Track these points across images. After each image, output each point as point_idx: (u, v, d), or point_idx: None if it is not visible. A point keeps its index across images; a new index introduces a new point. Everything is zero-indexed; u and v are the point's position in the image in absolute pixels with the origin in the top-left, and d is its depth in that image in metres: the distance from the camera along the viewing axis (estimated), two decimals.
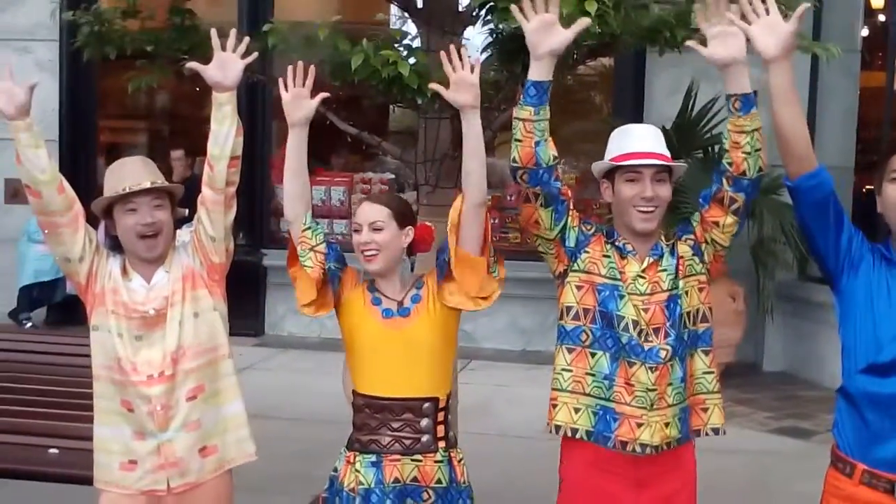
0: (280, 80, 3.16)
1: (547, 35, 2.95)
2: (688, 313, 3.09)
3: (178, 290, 3.22)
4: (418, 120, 4.40)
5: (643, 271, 3.07)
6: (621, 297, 3.05)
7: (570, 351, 3.10)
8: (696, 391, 3.14)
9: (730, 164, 3.00)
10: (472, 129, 3.05)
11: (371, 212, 3.11)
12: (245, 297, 8.74)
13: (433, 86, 3.14)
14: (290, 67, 3.13)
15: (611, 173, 3.12)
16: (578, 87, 10.08)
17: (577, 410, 3.08)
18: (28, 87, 3.10)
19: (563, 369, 3.11)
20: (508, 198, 9.50)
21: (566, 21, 3.03)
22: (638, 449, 3.02)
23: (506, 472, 5.60)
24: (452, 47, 3.08)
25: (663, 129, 8.29)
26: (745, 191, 3.03)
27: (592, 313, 3.07)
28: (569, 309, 3.11)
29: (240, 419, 3.33)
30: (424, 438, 3.08)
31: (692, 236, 3.14)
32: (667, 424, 3.04)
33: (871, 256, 2.90)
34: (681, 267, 3.10)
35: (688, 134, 8.06)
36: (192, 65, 3.22)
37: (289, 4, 9.31)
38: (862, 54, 8.78)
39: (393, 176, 9.90)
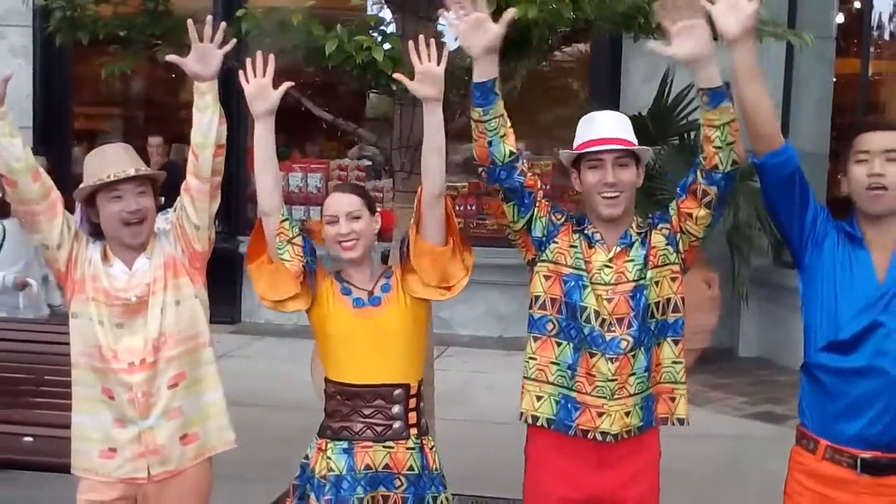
0: (240, 73, 3.10)
1: (478, 34, 2.95)
2: (656, 303, 3.09)
3: (160, 278, 3.22)
4: (393, 106, 4.39)
5: (610, 261, 3.08)
6: (584, 287, 3.06)
7: (535, 339, 3.13)
8: (664, 380, 3.15)
9: (704, 157, 2.99)
10: (433, 122, 3.05)
11: (347, 202, 3.11)
12: (221, 285, 8.66)
13: (398, 76, 3.13)
14: (248, 59, 3.08)
15: (577, 162, 3.14)
16: (555, 73, 10.08)
17: (538, 398, 3.12)
18: (4, 78, 3.08)
19: (530, 357, 3.14)
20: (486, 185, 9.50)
21: (538, 6, 3.03)
22: (598, 437, 3.05)
23: (482, 458, 5.61)
24: (421, 37, 3.07)
25: (639, 116, 8.34)
26: (718, 184, 3.01)
27: (559, 303, 3.09)
28: (537, 298, 3.13)
29: (220, 406, 3.33)
30: (396, 425, 3.08)
31: (668, 225, 3.14)
32: (627, 413, 3.06)
33: (836, 234, 2.94)
34: (651, 257, 3.10)
35: (664, 120, 8.08)
36: (172, 57, 3.20)
37: None
38: (837, 41, 8.82)
39: (369, 163, 9.89)
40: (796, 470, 2.96)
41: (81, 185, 3.21)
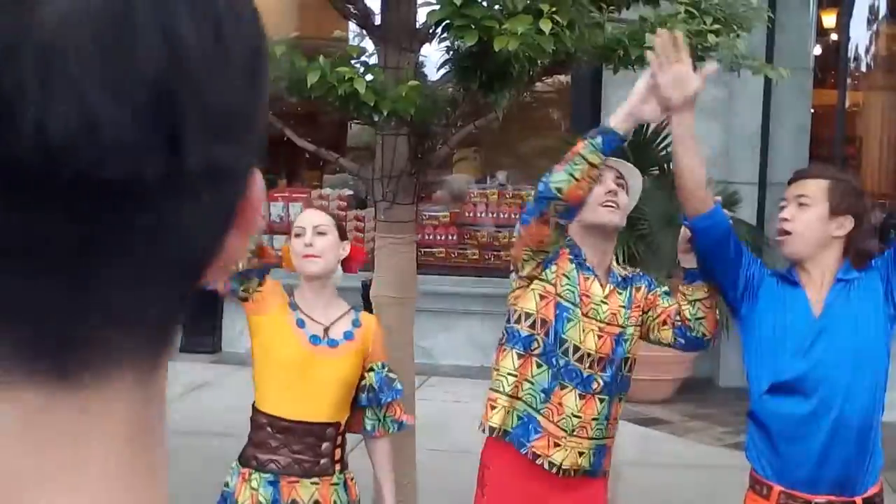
0: None
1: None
2: (626, 358, 3.19)
3: None
4: (375, 137, 4.40)
5: (606, 297, 3.13)
6: (569, 320, 3.09)
7: (519, 356, 3.14)
8: (612, 434, 3.24)
9: (679, 316, 3.18)
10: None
11: (315, 216, 3.15)
12: (201, 315, 8.68)
13: None
14: None
15: None
16: (536, 103, 10.15)
17: (508, 413, 3.14)
18: None
19: (509, 373, 3.14)
20: (467, 214, 9.52)
21: (519, 39, 3.05)
22: (546, 465, 3.11)
23: (462, 489, 5.58)
24: None
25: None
26: (686, 339, 3.22)
27: (548, 326, 3.11)
28: (528, 315, 3.13)
29: None
30: (323, 461, 3.09)
31: (646, 295, 3.23)
32: (580, 454, 3.13)
33: (773, 280, 3.02)
34: (634, 312, 3.19)
35: (643, 151, 8.11)
36: None
37: None
38: (814, 73, 8.92)
39: (351, 192, 9.90)
40: None
41: None
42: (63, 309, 0.46)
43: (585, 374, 3.09)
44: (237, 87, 0.48)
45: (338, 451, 3.13)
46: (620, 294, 3.16)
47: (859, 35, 9.69)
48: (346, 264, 3.22)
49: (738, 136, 8.67)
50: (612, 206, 3.13)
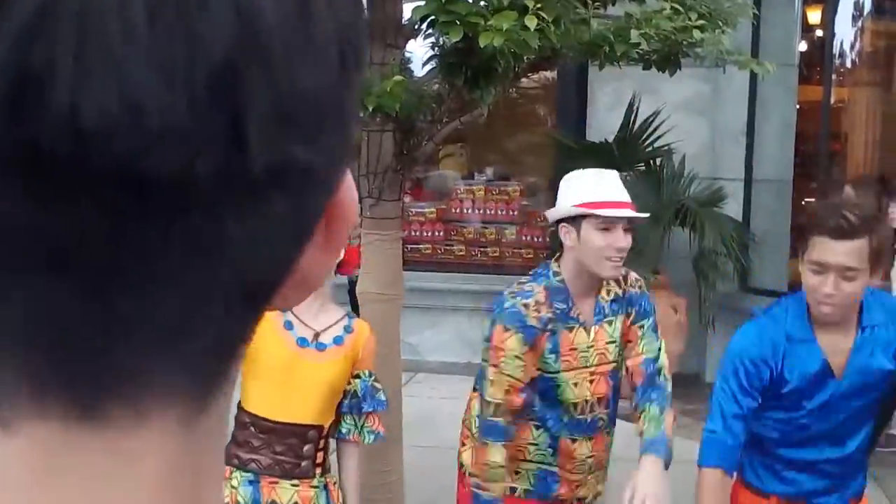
0: None
1: None
2: (619, 383, 3.22)
3: None
4: (360, 133, 4.39)
5: (592, 341, 3.08)
6: (558, 386, 3.06)
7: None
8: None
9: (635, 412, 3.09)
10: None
11: None
12: None
13: None
14: None
15: (575, 217, 3.07)
16: (522, 99, 10.15)
17: (516, 473, 3.16)
18: None
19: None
20: (453, 210, 9.52)
21: (504, 35, 3.05)
22: (575, 503, 3.22)
23: (449, 485, 5.59)
24: None
25: (605, 142, 8.38)
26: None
27: (537, 393, 3.11)
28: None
29: None
30: (304, 464, 3.08)
31: (630, 327, 3.18)
32: (598, 482, 3.24)
33: (779, 358, 2.85)
34: (622, 341, 3.17)
35: (630, 147, 8.13)
36: None
37: None
38: (799, 68, 8.93)
39: None
40: None
41: None
42: (85, 330, 0.38)
43: (589, 420, 3.11)
44: (322, 73, 0.40)
45: (320, 455, 3.11)
46: (609, 326, 3.09)
47: (844, 31, 9.70)
48: (340, 267, 3.19)
49: (724, 132, 8.69)
50: (617, 263, 3.01)
